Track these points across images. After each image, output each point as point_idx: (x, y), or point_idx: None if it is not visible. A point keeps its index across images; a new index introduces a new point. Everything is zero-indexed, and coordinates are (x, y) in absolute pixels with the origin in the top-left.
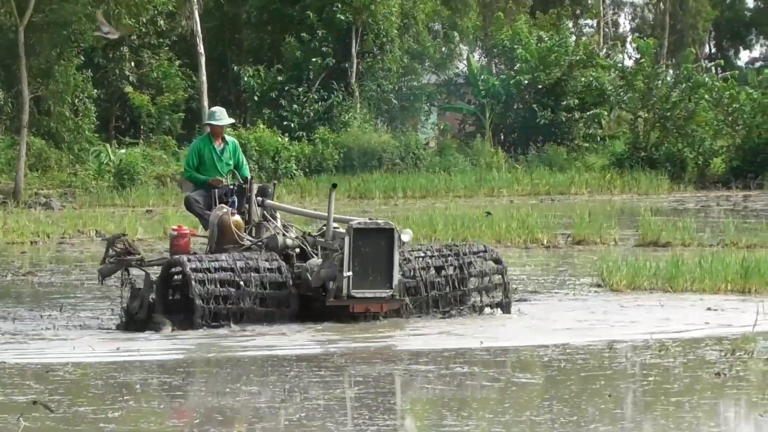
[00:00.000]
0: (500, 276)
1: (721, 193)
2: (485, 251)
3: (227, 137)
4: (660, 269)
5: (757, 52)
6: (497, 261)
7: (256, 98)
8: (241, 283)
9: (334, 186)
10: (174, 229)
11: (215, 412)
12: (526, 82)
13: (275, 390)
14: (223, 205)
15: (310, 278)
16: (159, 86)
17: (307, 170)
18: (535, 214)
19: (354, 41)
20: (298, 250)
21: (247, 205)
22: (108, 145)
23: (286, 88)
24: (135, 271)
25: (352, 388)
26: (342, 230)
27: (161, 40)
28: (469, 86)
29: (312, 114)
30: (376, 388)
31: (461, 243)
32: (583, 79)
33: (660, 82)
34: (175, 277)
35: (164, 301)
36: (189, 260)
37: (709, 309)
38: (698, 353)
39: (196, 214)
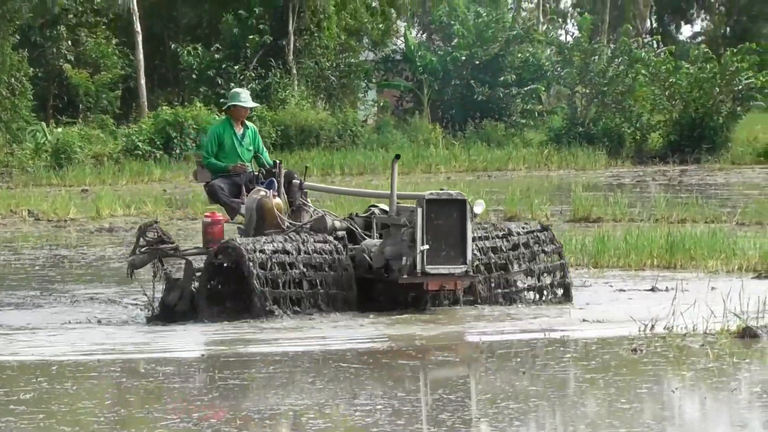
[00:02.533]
0: (558, 257)
1: (658, 168)
2: (541, 230)
3: (247, 122)
4: (587, 245)
5: (698, 26)
6: (553, 241)
7: (194, 76)
8: (300, 266)
9: (398, 157)
10: (207, 216)
11: (129, 393)
12: (464, 58)
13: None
14: (260, 188)
15: (368, 259)
16: (96, 65)
17: None
18: (469, 191)
19: (291, 18)
20: (345, 232)
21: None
22: (45, 124)
23: (224, 66)
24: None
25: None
26: (404, 205)
27: (98, 18)
28: (407, 63)
29: (249, 92)
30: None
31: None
32: (520, 54)
33: (597, 57)
34: (222, 264)
35: (209, 290)
36: (243, 244)
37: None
38: (616, 330)
39: (222, 202)
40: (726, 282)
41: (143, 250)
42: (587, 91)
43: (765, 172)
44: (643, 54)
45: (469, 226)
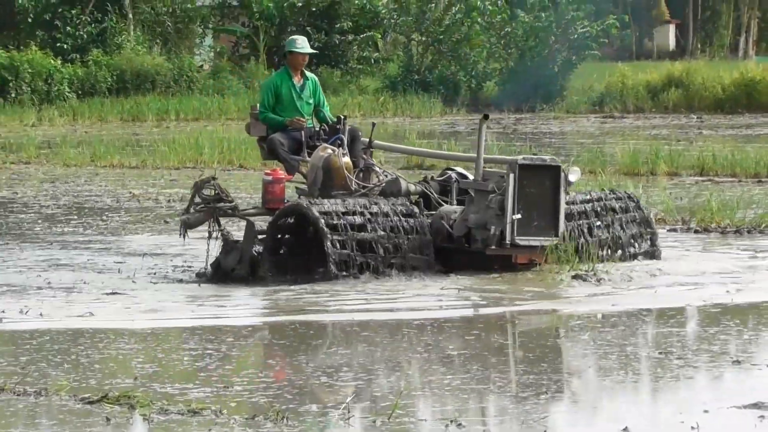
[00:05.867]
0: (646, 223)
1: (493, 116)
2: (629, 198)
3: (307, 73)
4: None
5: None
6: (639, 207)
7: (29, 20)
8: (376, 228)
9: (486, 117)
10: (268, 174)
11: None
12: (300, 4)
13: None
14: (327, 145)
15: (447, 227)
16: None
17: (80, 93)
18: None
19: None
20: (419, 197)
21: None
22: None
23: (60, 10)
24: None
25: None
26: (490, 169)
27: None
28: (243, 8)
29: (85, 36)
30: None
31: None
32: (356, 1)
33: (433, 5)
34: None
35: (274, 254)
36: (313, 204)
37: None
38: None
39: (281, 158)
40: None
41: (199, 208)
42: (423, 38)
43: (599, 121)
44: (479, 2)
45: (563, 196)
